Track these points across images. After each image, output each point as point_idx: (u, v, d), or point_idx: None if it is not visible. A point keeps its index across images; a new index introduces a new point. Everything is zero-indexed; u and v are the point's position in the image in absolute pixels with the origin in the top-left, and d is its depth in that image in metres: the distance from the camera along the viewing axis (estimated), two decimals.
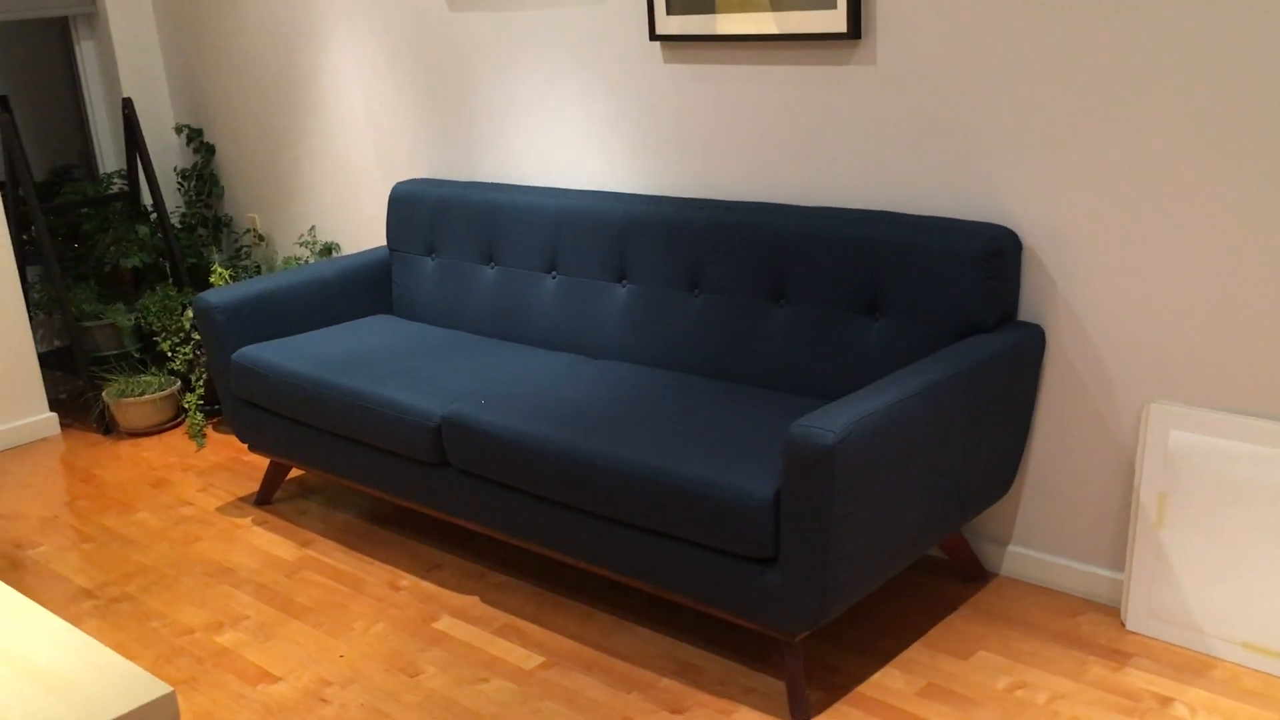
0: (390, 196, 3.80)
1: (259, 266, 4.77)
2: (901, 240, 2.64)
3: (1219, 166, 2.32)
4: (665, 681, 2.51)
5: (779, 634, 2.32)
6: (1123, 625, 2.60)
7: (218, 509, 3.58)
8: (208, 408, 4.40)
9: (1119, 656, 2.49)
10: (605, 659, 2.61)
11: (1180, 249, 2.40)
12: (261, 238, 4.76)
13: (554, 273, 3.36)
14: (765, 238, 2.87)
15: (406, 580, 3.05)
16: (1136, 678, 2.42)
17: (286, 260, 4.44)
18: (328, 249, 4.41)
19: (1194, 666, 2.44)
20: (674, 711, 2.41)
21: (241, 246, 4.82)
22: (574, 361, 3.16)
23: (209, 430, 4.29)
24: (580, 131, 3.42)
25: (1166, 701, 2.33)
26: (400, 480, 3.01)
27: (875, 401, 2.19)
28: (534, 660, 2.63)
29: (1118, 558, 2.64)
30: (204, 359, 4.25)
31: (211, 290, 3.48)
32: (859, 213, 2.75)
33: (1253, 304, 2.35)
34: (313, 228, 4.50)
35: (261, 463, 3.95)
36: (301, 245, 4.50)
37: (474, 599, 2.93)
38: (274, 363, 3.28)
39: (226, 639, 2.81)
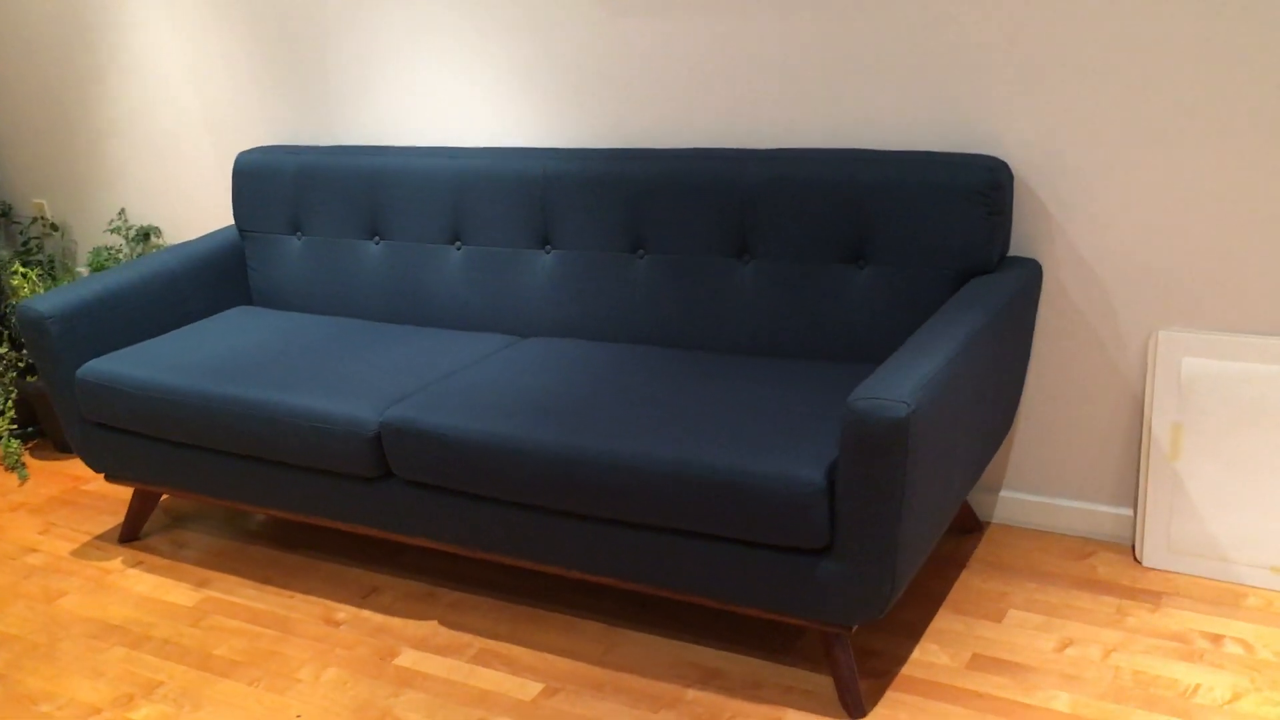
0: (234, 169, 3.29)
1: (53, 261, 4.11)
2: (885, 179, 2.42)
3: (1226, 81, 2.21)
4: (693, 693, 2.25)
5: (833, 628, 2.09)
6: (1138, 562, 2.52)
7: (73, 553, 3.04)
8: (21, 431, 3.76)
9: (1150, 597, 2.40)
10: (614, 676, 2.32)
11: (1185, 169, 2.29)
12: (55, 227, 4.09)
13: (458, 243, 2.98)
14: (719, 187, 2.60)
15: (343, 612, 2.65)
16: (1176, 618, 2.33)
17: (96, 251, 3.82)
18: (145, 234, 3.83)
19: (1227, 598, 2.38)
20: None
21: (29, 239, 4.13)
22: (505, 344, 2.81)
23: (26, 458, 3.67)
24: (473, 81, 3.02)
25: (1217, 640, 2.26)
26: (324, 499, 2.59)
27: (932, 362, 1.97)
28: (532, 688, 2.31)
29: (1123, 494, 2.55)
30: (9, 375, 3.61)
31: (37, 297, 2.91)
32: (830, 152, 2.52)
33: (1262, 222, 2.26)
34: (122, 211, 3.89)
35: (106, 489, 3.40)
36: (113, 232, 3.88)
37: (432, 624, 2.57)
38: (135, 377, 2.77)
39: (145, 715, 2.34)
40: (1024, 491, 2.66)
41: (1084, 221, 2.41)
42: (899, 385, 1.89)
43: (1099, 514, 2.58)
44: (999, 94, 2.40)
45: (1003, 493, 2.68)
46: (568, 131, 2.92)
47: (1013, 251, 2.50)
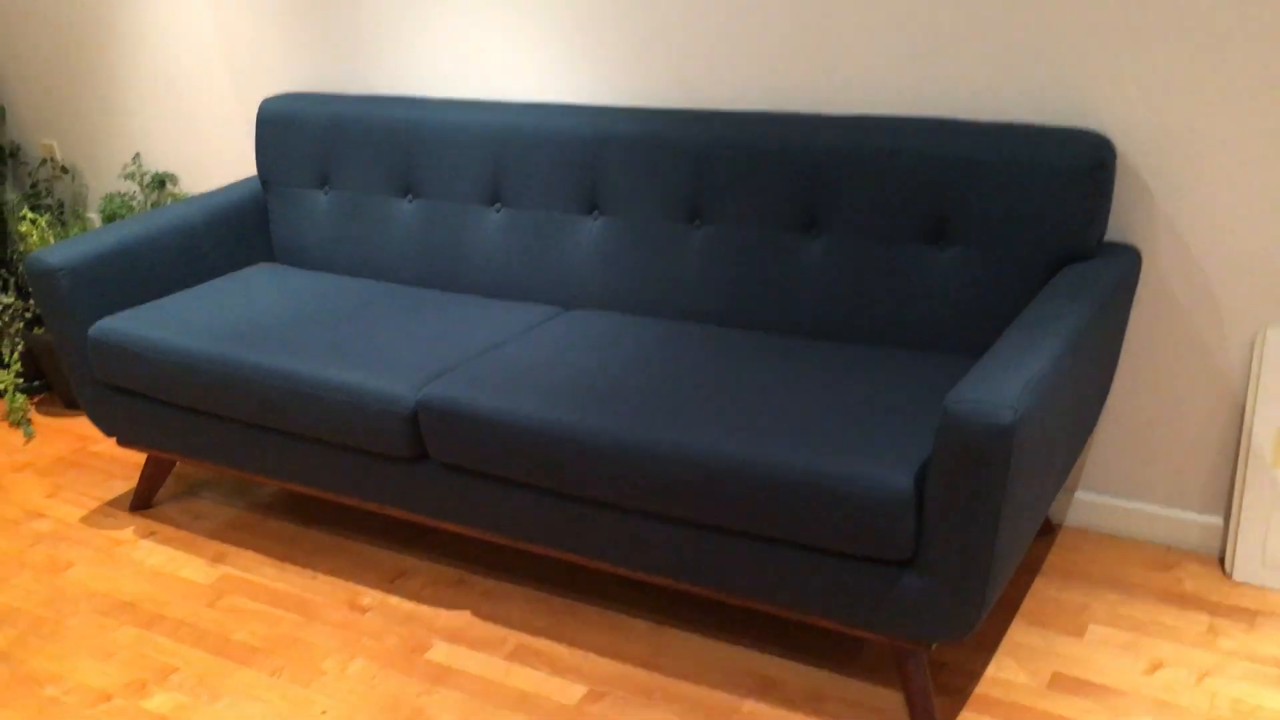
0: (259, 116, 3.08)
1: (63, 206, 3.91)
2: (974, 153, 2.22)
3: None
4: (750, 705, 2.08)
5: (910, 644, 1.92)
6: (1227, 575, 2.34)
7: (83, 520, 2.87)
8: (27, 386, 3.59)
9: (1244, 616, 2.23)
10: (664, 681, 2.15)
11: None
12: (65, 170, 3.89)
13: (498, 205, 2.78)
14: (788, 155, 2.39)
15: (369, 596, 2.48)
16: (1275, 640, 2.16)
17: (109, 198, 3.62)
18: (161, 181, 3.63)
19: None
20: None
21: (37, 181, 3.93)
22: (548, 315, 2.62)
23: (33, 414, 3.49)
24: (519, 29, 2.81)
25: None
26: (353, 477, 2.41)
27: (1037, 361, 1.78)
28: (576, 691, 2.14)
29: (1213, 501, 2.37)
30: (15, 325, 3.43)
31: (48, 248, 2.72)
32: (913, 121, 2.31)
33: None
34: (137, 155, 3.69)
35: (117, 451, 3.23)
36: (127, 178, 3.68)
37: (465, 614, 2.40)
38: (151, 338, 2.58)
39: (160, 704, 2.18)
40: (1103, 494, 2.48)
41: (1191, 206, 2.21)
42: (1003, 387, 1.70)
43: (1184, 522, 2.40)
44: (1102, 60, 2.19)
45: (1078, 494, 2.50)
46: (622, 88, 2.71)
47: (1109, 236, 2.30)
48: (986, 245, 2.23)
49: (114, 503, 2.94)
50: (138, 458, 3.17)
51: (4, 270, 3.70)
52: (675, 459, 1.95)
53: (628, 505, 2.06)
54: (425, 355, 2.39)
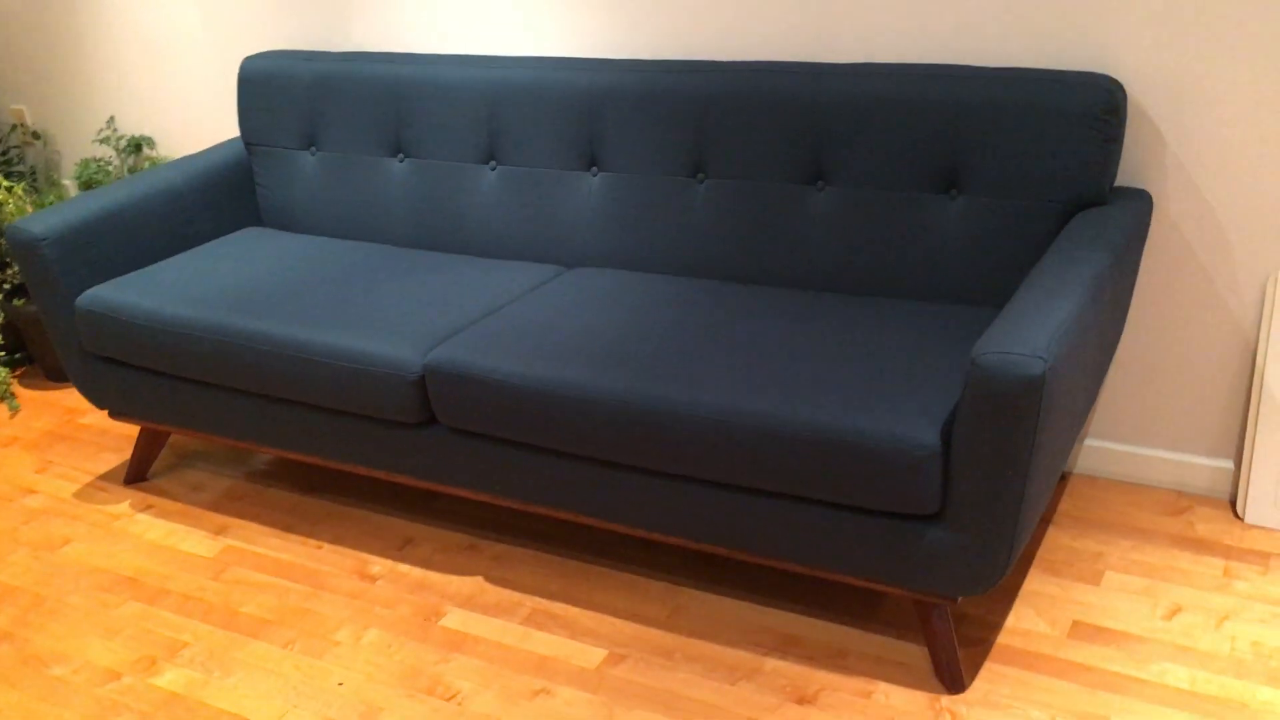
0: (240, 75, 3.00)
1: (35, 173, 3.81)
2: (983, 99, 2.18)
3: None
4: (772, 663, 2.07)
5: (936, 599, 1.91)
6: (1239, 518, 2.35)
7: (76, 494, 2.81)
8: (9, 358, 3.51)
9: (1257, 558, 2.24)
10: (684, 642, 2.14)
11: None
12: (36, 135, 3.78)
13: (493, 163, 2.72)
14: (792, 105, 2.35)
15: (378, 564, 2.45)
16: None
17: (84, 164, 3.53)
18: (137, 145, 3.54)
19: None
20: (803, 702, 1.98)
21: (9, 148, 3.82)
22: (550, 275, 2.57)
23: (16, 387, 3.42)
24: None
25: None
26: (358, 445, 2.37)
27: (1063, 309, 1.76)
28: (596, 655, 2.13)
29: (1223, 445, 2.37)
30: None
31: (29, 217, 2.64)
32: (920, 68, 2.27)
33: None
34: (111, 119, 3.59)
35: (105, 423, 3.17)
36: (102, 143, 3.59)
37: (477, 580, 2.37)
38: (142, 306, 2.52)
39: (171, 680, 2.15)
40: (1112, 440, 2.47)
41: (1203, 150, 2.19)
42: (1032, 337, 1.68)
43: (1195, 466, 2.40)
44: (1113, 2, 2.15)
45: (1089, 441, 2.50)
46: (620, 40, 2.65)
47: (1120, 181, 2.28)
48: (998, 193, 2.20)
49: (107, 476, 2.89)
50: (128, 429, 3.11)
51: None
52: (693, 418, 1.92)
53: (643, 466, 2.03)
54: (429, 318, 2.34)
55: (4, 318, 3.37)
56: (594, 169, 2.60)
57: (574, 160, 2.61)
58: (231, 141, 3.09)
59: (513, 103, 2.64)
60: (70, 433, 3.12)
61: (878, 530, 1.87)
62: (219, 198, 2.98)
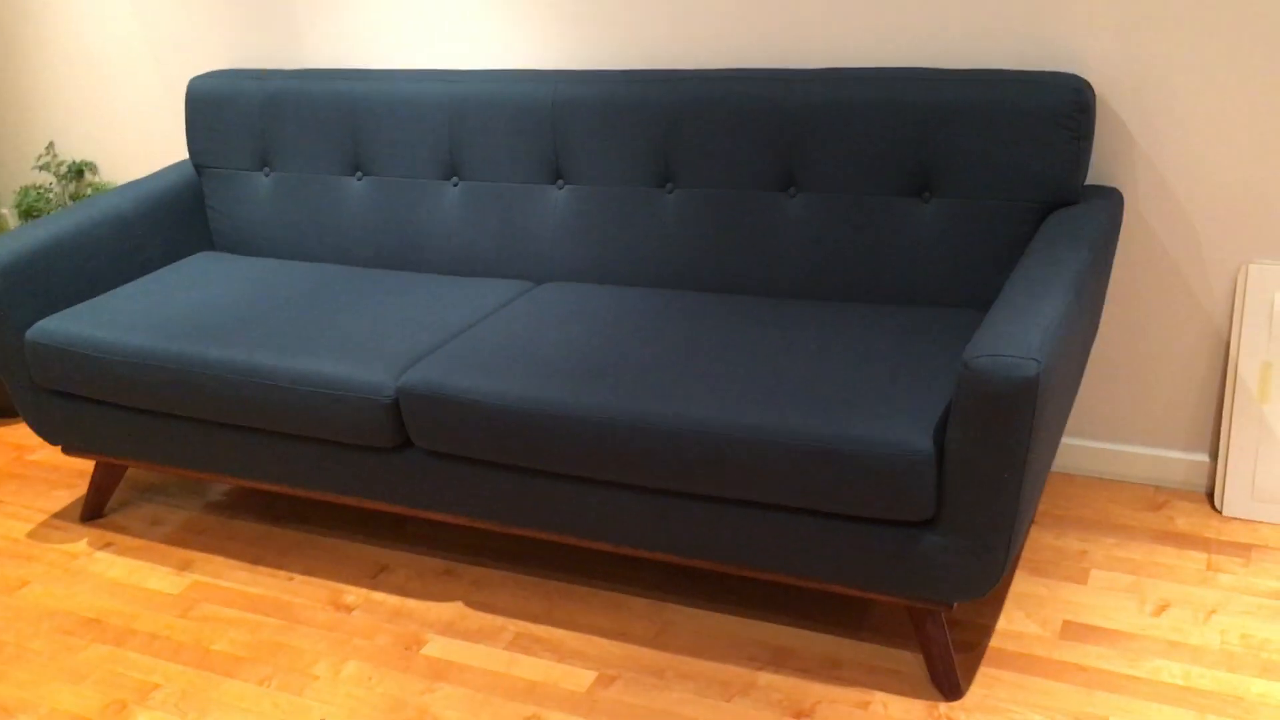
0: (188, 95, 2.92)
1: None
2: (953, 101, 2.18)
3: None
4: (766, 677, 2.04)
5: (933, 605, 1.89)
6: (1217, 511, 2.36)
7: (30, 534, 2.71)
8: None
9: (1239, 550, 2.25)
10: (675, 660, 2.10)
11: None
12: None
13: (455, 179, 2.67)
14: (760, 112, 2.33)
15: (352, 594, 2.38)
16: (1273, 572, 2.18)
17: (23, 191, 3.42)
18: (79, 170, 3.44)
19: None
20: (799, 716, 1.95)
21: None
22: (517, 291, 2.53)
23: None
24: None
25: None
26: (330, 472, 2.31)
27: (1049, 309, 1.76)
28: (584, 677, 2.08)
29: (1198, 439, 2.39)
30: None
31: None
32: (888, 71, 2.26)
33: None
34: (51, 145, 3.48)
35: (57, 459, 3.06)
36: (42, 169, 3.48)
37: (456, 605, 2.31)
38: (95, 338, 2.44)
39: None
40: (1088, 438, 2.48)
41: (1170, 146, 2.20)
42: (1023, 339, 1.67)
43: (1170, 460, 2.42)
44: (1080, 3, 2.16)
45: (1065, 439, 2.50)
46: (581, 50, 2.62)
47: (1090, 179, 2.29)
48: (970, 195, 2.20)
49: (62, 514, 2.79)
50: (81, 465, 3.01)
51: None
52: (677, 432, 1.89)
53: (627, 483, 2.00)
54: (399, 340, 2.28)
55: None
56: (560, 182, 2.57)
57: (539, 174, 2.57)
58: (180, 164, 3.01)
59: (474, 116, 2.60)
60: (19, 470, 3.01)
61: (871, 538, 1.85)
62: (169, 223, 2.90)
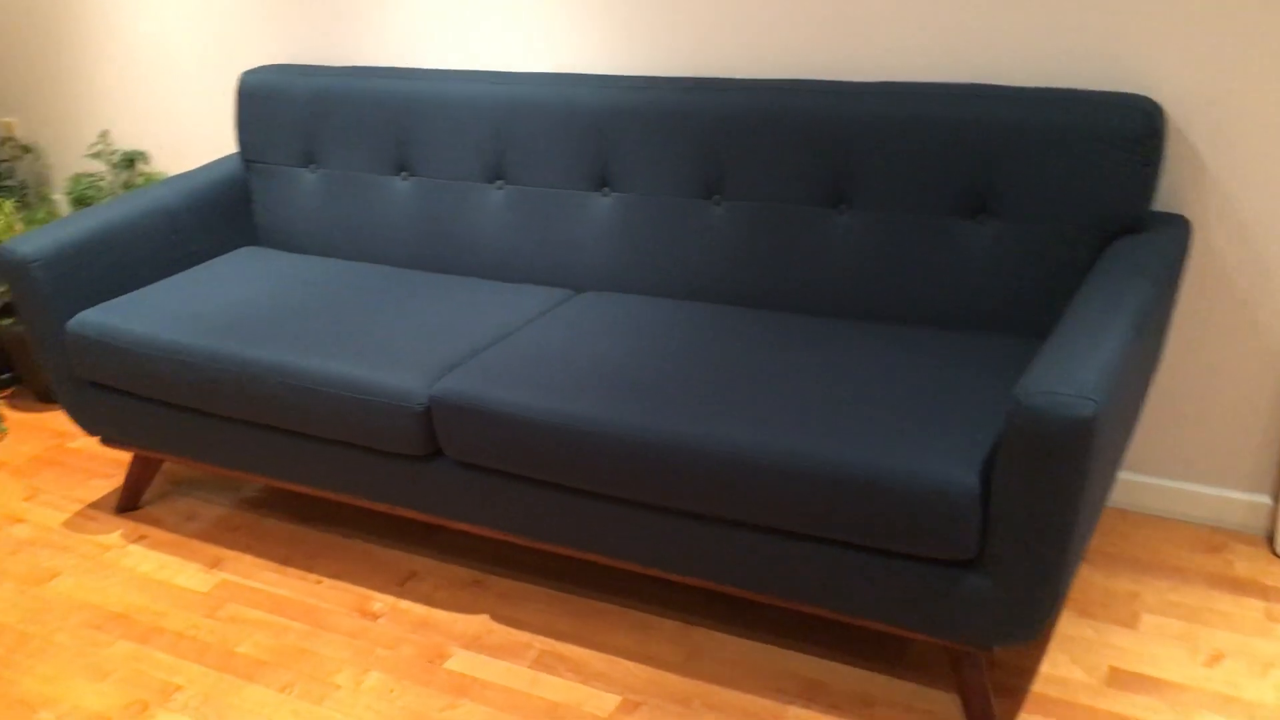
0: (239, 89, 2.90)
1: (26, 188, 3.70)
2: (1015, 120, 2.09)
3: None
4: (794, 711, 1.97)
5: (972, 648, 1.81)
6: (1278, 556, 2.25)
7: (65, 524, 2.71)
8: None
9: None
10: (702, 688, 2.04)
11: None
12: (26, 149, 3.68)
13: (500, 182, 2.63)
14: (813, 125, 2.26)
15: (379, 601, 2.34)
16: None
17: (75, 179, 3.43)
18: (130, 160, 3.44)
19: None
20: None
21: None
22: (558, 299, 2.48)
23: (3, 409, 3.31)
24: None
25: None
26: (360, 477, 2.27)
27: (1108, 346, 1.67)
28: (609, 701, 2.03)
29: (1260, 479, 2.28)
30: None
31: (19, 238, 2.54)
32: (948, 87, 2.18)
33: None
34: (105, 133, 3.49)
35: (96, 447, 3.06)
36: (94, 157, 3.49)
37: (482, 618, 2.27)
38: (134, 332, 2.42)
39: None
40: (1143, 474, 2.38)
41: (1244, 174, 2.10)
42: (1080, 376, 1.59)
43: (1230, 501, 2.31)
44: (1151, 21, 2.07)
45: (1121, 474, 2.40)
46: (633, 56, 2.56)
47: (1157, 206, 2.19)
48: (1030, 218, 2.11)
49: (97, 504, 2.78)
50: (119, 455, 3.00)
51: None
52: (712, 454, 1.83)
53: (658, 504, 1.94)
54: (434, 346, 2.24)
55: None
56: (605, 189, 2.51)
57: (584, 180, 2.51)
58: (228, 158, 2.99)
59: (521, 120, 2.55)
60: (59, 458, 3.02)
61: (910, 576, 1.78)
62: (215, 217, 2.89)
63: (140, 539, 2.62)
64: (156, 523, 2.68)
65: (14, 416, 3.26)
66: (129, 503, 2.73)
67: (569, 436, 1.95)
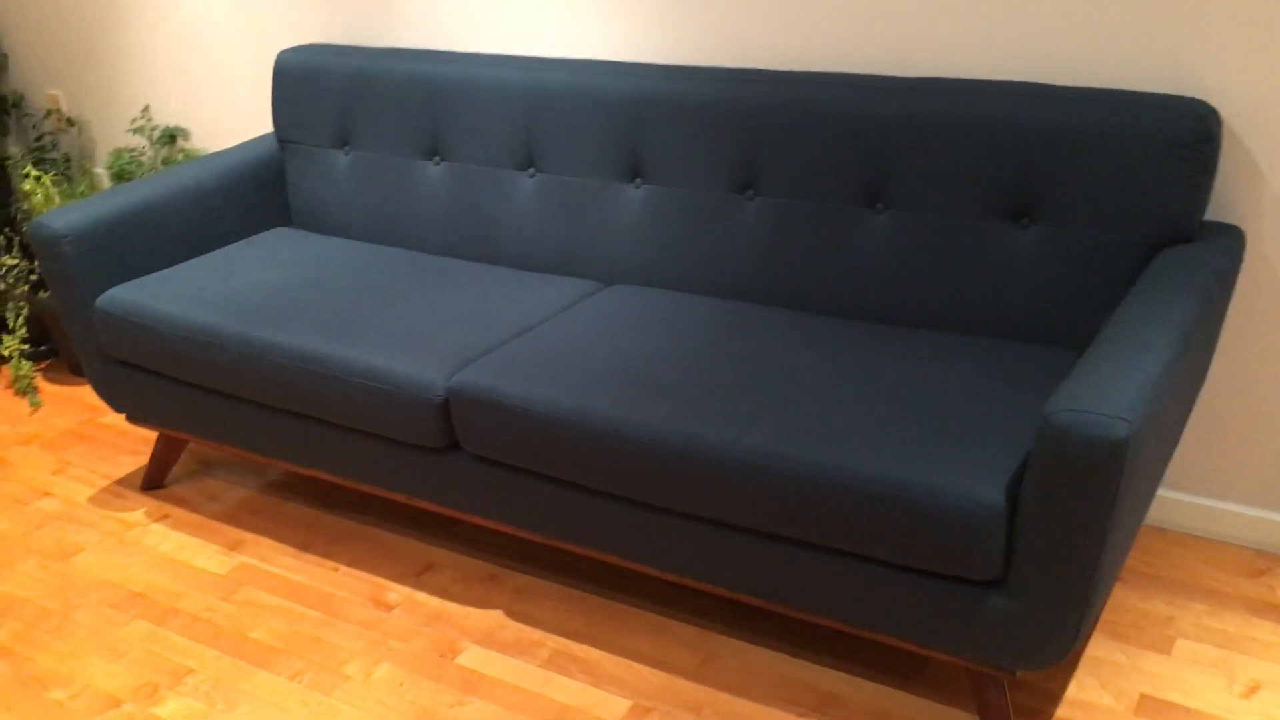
0: (275, 68, 2.88)
1: (69, 161, 3.72)
2: (1063, 122, 2.01)
3: None
4: None
5: (994, 671, 1.74)
6: None
7: (91, 500, 2.71)
8: (33, 351, 3.42)
9: None
10: (714, 696, 1.99)
11: None
12: (71, 122, 3.69)
13: (531, 170, 2.58)
14: (852, 121, 2.19)
15: (395, 592, 2.32)
16: None
17: (116, 153, 3.43)
18: (171, 136, 3.44)
19: None
20: None
21: (42, 134, 3.74)
22: (586, 291, 2.43)
23: (39, 381, 3.33)
24: None
25: None
26: (377, 466, 2.25)
27: (1149, 364, 1.59)
28: (619, 706, 1.98)
29: None
30: (20, 288, 3.26)
31: (52, 213, 2.54)
32: (993, 85, 2.10)
33: None
34: (147, 108, 3.49)
35: (127, 424, 3.06)
36: (135, 132, 3.49)
37: (497, 614, 2.24)
38: (161, 311, 2.41)
39: (172, 711, 2.03)
40: (1186, 492, 2.29)
41: None
42: (1114, 395, 1.51)
43: (1275, 523, 2.22)
44: (1207, 20, 1.97)
45: (1160, 491, 2.32)
46: (669, 45, 2.50)
47: (1209, 215, 2.09)
48: (1075, 224, 2.03)
49: (124, 481, 2.78)
50: (148, 432, 3.00)
51: (8, 229, 3.52)
52: (733, 461, 1.77)
53: (677, 509, 1.89)
54: (456, 336, 2.21)
55: (30, 310, 3.28)
56: (637, 180, 2.46)
57: (616, 170, 2.46)
58: (264, 138, 2.97)
59: (554, 107, 2.50)
60: (90, 432, 3.03)
61: (931, 593, 1.71)
62: (248, 196, 2.87)
63: (163, 518, 2.62)
64: (180, 502, 2.67)
65: (49, 389, 3.27)
66: (154, 481, 2.73)
67: (587, 436, 1.90)
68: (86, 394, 3.24)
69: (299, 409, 2.27)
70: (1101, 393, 1.52)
